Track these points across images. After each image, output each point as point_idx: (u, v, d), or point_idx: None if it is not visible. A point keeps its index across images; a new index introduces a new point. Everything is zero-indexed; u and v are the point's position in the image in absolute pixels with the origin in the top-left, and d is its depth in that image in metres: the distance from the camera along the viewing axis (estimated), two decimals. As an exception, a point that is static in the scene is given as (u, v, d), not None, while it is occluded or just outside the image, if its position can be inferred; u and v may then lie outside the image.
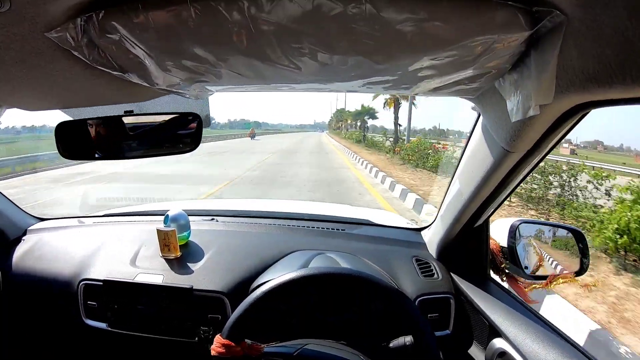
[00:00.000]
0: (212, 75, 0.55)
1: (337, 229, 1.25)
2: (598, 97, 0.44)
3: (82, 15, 0.43)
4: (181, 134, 0.82)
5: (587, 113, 0.59)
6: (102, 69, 0.51)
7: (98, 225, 1.25)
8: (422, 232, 1.21)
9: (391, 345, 0.76)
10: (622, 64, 0.36)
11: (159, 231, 1.00)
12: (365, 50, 0.45)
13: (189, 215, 1.12)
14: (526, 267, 1.10)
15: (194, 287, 0.95)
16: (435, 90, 0.59)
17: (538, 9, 0.40)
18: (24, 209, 1.29)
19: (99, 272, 1.02)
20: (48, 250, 1.12)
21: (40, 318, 1.09)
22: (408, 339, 0.75)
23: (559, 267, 1.13)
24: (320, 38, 0.44)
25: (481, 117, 0.72)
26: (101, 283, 0.98)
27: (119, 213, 1.39)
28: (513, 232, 1.02)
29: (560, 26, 0.40)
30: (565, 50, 0.41)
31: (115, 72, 0.52)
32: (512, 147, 0.63)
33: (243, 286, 0.95)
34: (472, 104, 0.68)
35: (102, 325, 0.99)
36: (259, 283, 0.92)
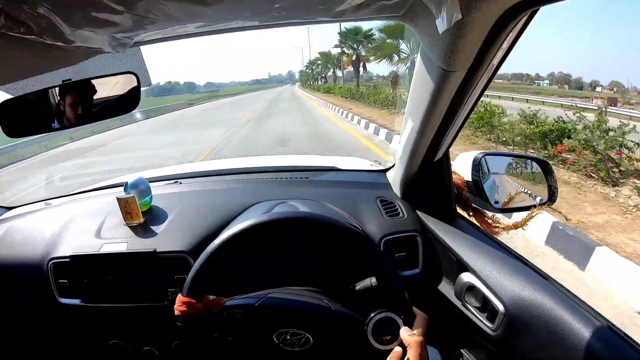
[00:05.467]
0: (122, 23, 0.52)
1: (301, 177, 1.24)
2: None
3: None
4: (120, 95, 0.79)
5: (531, 19, 0.54)
6: (16, 34, 0.47)
7: (64, 205, 1.24)
8: (387, 173, 1.19)
9: (357, 287, 0.74)
10: None
11: (119, 199, 0.99)
12: None
13: (154, 181, 1.10)
14: (496, 202, 1.11)
15: (157, 250, 0.95)
16: (358, 10, 0.56)
17: None
18: None
19: (66, 249, 1.01)
20: (18, 236, 1.11)
21: (17, 303, 1.09)
22: (373, 279, 0.73)
23: (528, 199, 1.14)
24: None
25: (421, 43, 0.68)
26: (68, 259, 0.98)
27: (85, 190, 1.37)
28: (477, 165, 1.01)
29: None
30: None
31: (29, 37, 0.49)
32: (450, 66, 0.59)
33: (206, 243, 0.93)
34: None
35: (76, 301, 0.99)
36: None
